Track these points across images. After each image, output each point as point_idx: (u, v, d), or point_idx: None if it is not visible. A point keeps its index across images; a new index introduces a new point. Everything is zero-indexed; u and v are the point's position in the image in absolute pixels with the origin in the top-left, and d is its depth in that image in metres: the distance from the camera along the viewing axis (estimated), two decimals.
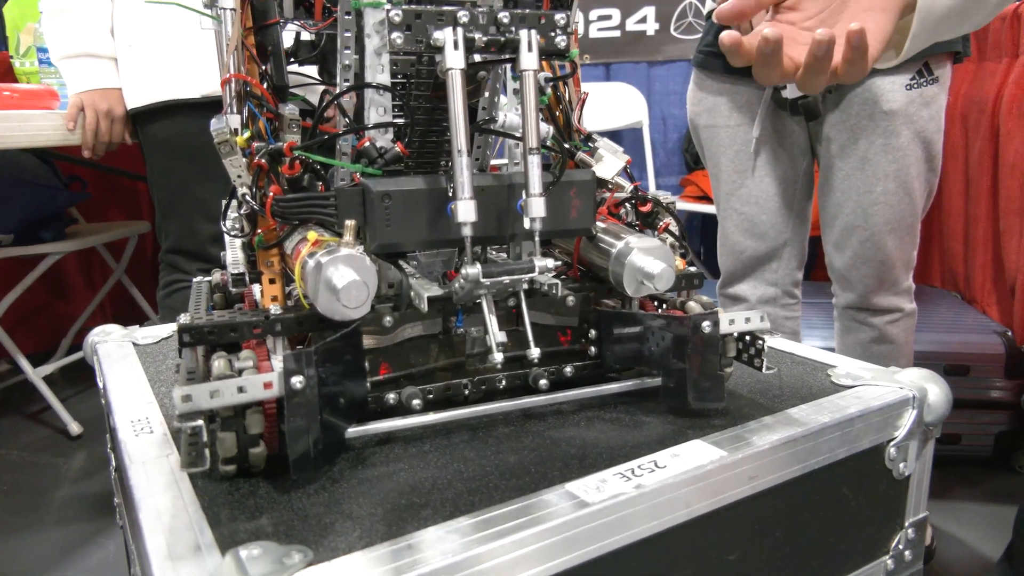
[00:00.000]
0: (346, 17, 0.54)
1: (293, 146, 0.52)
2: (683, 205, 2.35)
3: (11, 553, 1.38)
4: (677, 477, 0.47)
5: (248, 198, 0.51)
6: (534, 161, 0.51)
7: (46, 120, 1.41)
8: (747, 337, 0.59)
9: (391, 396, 0.55)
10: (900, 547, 0.62)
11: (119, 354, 0.73)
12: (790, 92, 1.12)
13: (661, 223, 0.62)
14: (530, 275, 0.52)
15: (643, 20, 2.73)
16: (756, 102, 1.21)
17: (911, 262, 1.22)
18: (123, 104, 1.42)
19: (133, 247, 2.20)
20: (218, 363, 0.47)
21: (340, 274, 0.45)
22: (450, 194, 0.51)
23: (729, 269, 1.33)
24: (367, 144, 0.54)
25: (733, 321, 0.57)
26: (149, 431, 0.55)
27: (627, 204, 0.63)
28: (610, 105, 2.61)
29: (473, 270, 0.49)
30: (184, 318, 0.51)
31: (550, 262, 0.52)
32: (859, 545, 0.60)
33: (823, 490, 0.56)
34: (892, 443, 0.59)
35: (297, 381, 0.45)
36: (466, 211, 0.49)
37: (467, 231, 0.50)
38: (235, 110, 0.56)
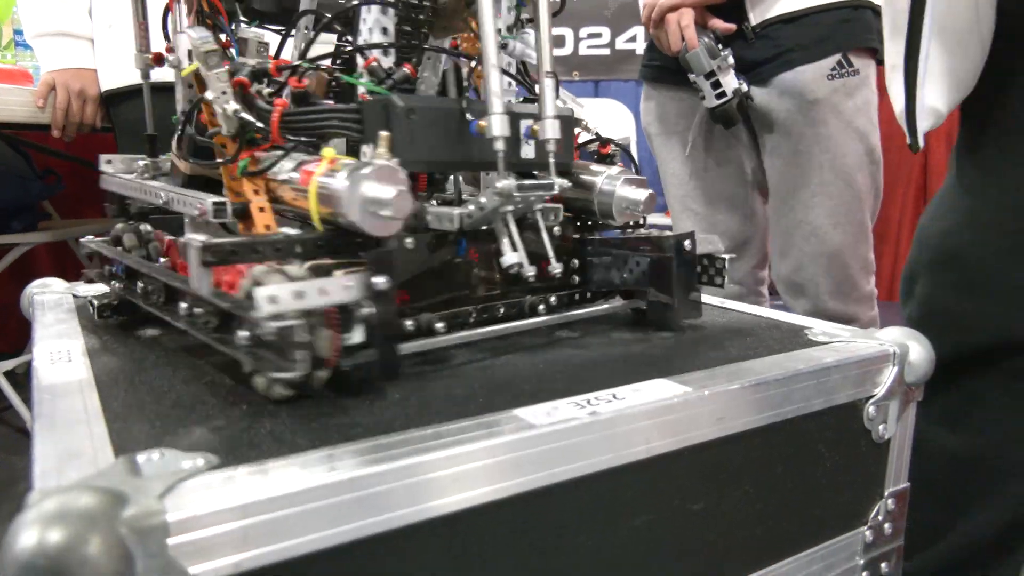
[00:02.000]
0: None
1: (281, 64, 0.52)
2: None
3: None
4: (635, 408, 0.43)
5: (241, 114, 0.49)
6: (549, 84, 0.50)
7: (14, 95, 1.38)
8: (707, 259, 0.63)
9: (409, 322, 0.52)
10: (879, 518, 0.58)
11: (55, 302, 0.69)
12: (709, 102, 1.14)
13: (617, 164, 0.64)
14: (552, 192, 0.51)
15: (632, 39, 2.75)
16: (690, 109, 1.23)
17: (868, 264, 1.18)
18: (96, 85, 1.39)
19: None
20: (296, 268, 0.43)
21: (387, 185, 0.44)
22: (468, 116, 0.51)
23: None
24: (374, 63, 0.52)
25: (700, 243, 0.60)
26: (67, 360, 0.50)
27: (590, 145, 0.63)
28: (599, 121, 2.61)
29: (508, 183, 0.48)
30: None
31: (567, 182, 0.55)
32: (835, 511, 0.56)
33: (797, 444, 0.52)
34: (871, 401, 0.55)
35: (381, 282, 0.43)
36: (501, 125, 0.48)
37: (500, 145, 0.48)
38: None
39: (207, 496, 0.31)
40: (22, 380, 2.07)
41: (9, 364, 1.88)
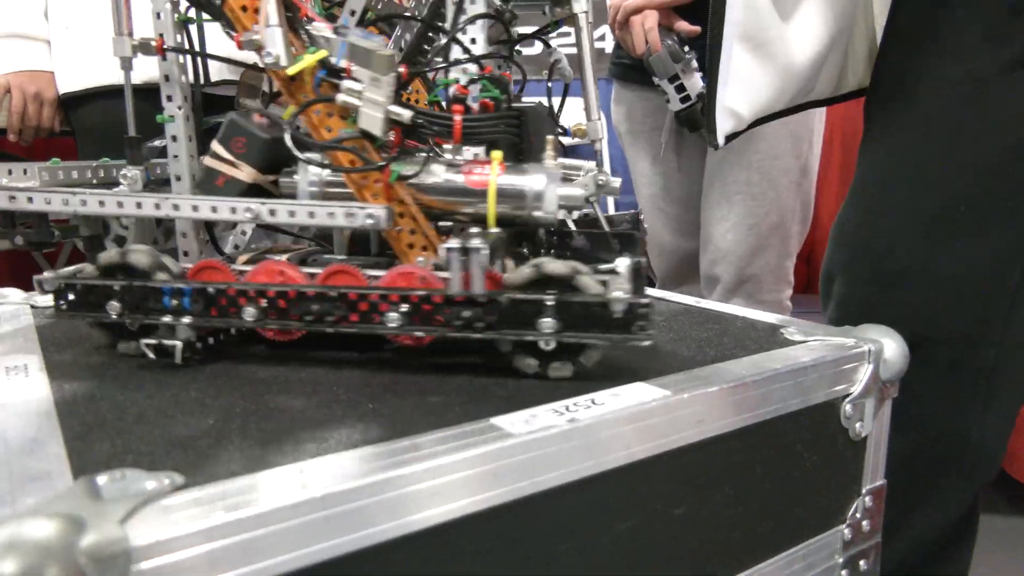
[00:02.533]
0: None
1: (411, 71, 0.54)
2: None
3: None
4: (616, 414, 0.42)
5: (418, 119, 0.50)
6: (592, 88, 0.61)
7: None
8: None
9: None
10: (857, 515, 0.58)
11: (11, 313, 0.66)
12: (673, 105, 1.13)
13: None
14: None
15: (602, 38, 2.75)
16: (651, 105, 1.23)
17: (782, 273, 1.19)
18: (54, 88, 1.35)
19: (70, 250, 2.09)
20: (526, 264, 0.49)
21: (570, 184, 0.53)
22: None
23: (665, 270, 1.32)
24: (494, 71, 0.55)
25: None
26: (24, 375, 0.48)
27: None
28: (568, 121, 2.60)
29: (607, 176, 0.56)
30: None
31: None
32: (815, 511, 0.56)
33: (776, 445, 0.52)
34: (848, 399, 0.55)
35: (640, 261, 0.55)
36: (600, 128, 0.63)
37: (599, 146, 0.63)
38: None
39: (172, 519, 0.30)
40: None
41: None
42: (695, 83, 1.11)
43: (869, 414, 0.57)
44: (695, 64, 1.11)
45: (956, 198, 0.69)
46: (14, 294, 0.73)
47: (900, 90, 0.73)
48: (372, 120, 0.49)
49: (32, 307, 0.69)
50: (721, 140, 0.74)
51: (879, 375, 0.57)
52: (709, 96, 0.72)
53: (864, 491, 0.59)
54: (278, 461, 0.36)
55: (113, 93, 1.31)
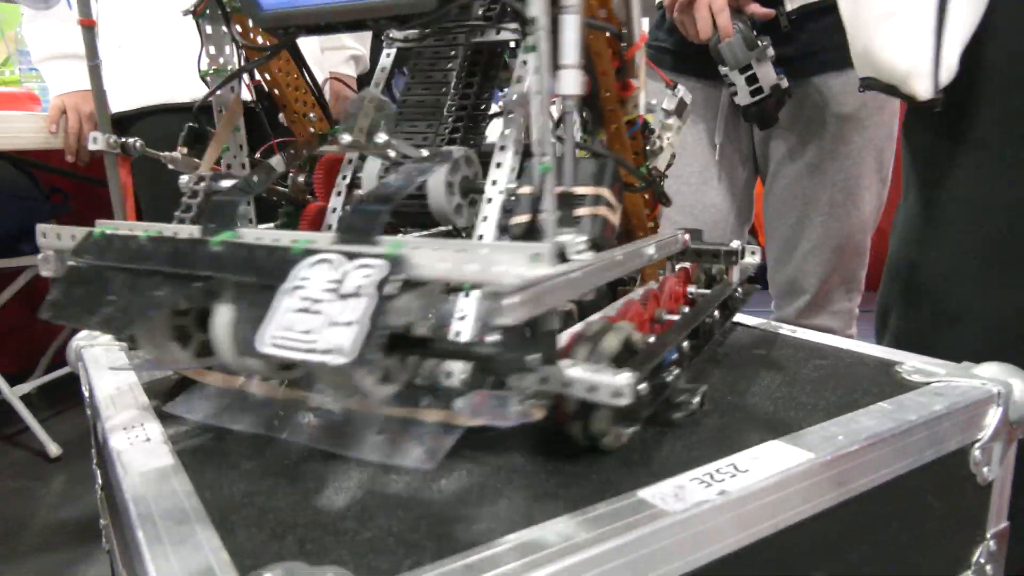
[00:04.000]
0: None
1: None
2: None
3: None
4: (764, 482, 0.41)
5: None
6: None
7: (25, 122, 1.34)
8: None
9: None
10: (981, 561, 0.56)
11: (108, 359, 0.66)
12: (742, 98, 1.02)
13: None
14: None
15: None
16: (710, 101, 1.12)
17: (857, 283, 1.14)
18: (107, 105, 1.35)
19: None
20: None
21: None
22: None
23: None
24: None
25: None
26: (145, 439, 0.48)
27: None
28: None
29: None
30: None
31: None
32: (941, 560, 0.54)
33: (909, 498, 0.50)
34: (977, 444, 0.53)
35: None
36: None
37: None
38: None
39: None
40: (36, 401, 2.04)
41: (25, 388, 1.85)
42: (769, 74, 1.00)
43: (996, 458, 0.55)
44: (771, 52, 1.00)
45: (1015, 234, 0.67)
46: (104, 335, 0.72)
47: (957, 123, 0.70)
48: (664, 160, 0.59)
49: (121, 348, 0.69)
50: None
51: (1008, 417, 0.54)
52: (937, 51, 0.64)
53: (989, 535, 0.57)
54: (434, 551, 0.35)
55: (165, 111, 1.31)
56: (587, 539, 0.35)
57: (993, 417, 0.54)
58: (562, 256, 0.38)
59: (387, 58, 0.63)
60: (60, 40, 1.31)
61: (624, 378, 0.37)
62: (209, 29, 0.58)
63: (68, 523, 1.50)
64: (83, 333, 0.73)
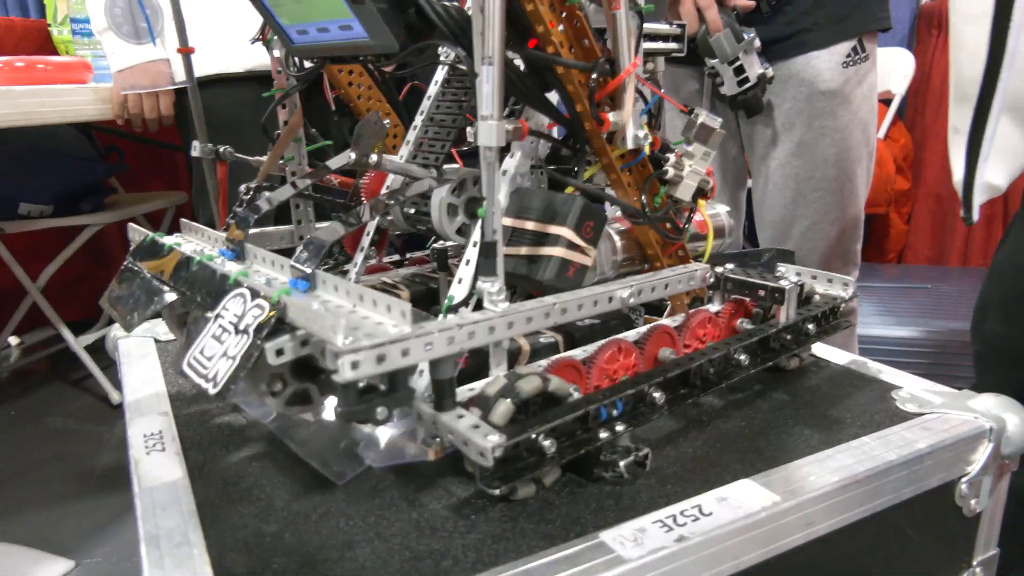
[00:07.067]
0: None
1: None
2: None
3: (53, 522, 1.41)
4: (725, 528, 0.42)
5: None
6: None
7: (78, 95, 1.39)
8: None
9: None
10: None
11: (139, 353, 0.71)
12: (729, 89, 1.05)
13: None
14: None
15: None
16: (691, 83, 1.14)
17: (854, 256, 1.15)
18: (167, 77, 1.39)
19: (172, 216, 2.20)
20: None
21: None
22: None
23: None
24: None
25: None
26: (160, 448, 0.52)
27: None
28: None
29: None
30: None
31: None
32: None
33: (885, 533, 0.51)
34: (964, 479, 0.53)
35: None
36: None
37: None
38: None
39: None
40: (99, 346, 2.17)
41: (89, 338, 1.97)
42: (755, 64, 1.03)
43: (986, 492, 0.55)
44: (757, 43, 1.02)
45: None
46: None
47: None
48: (687, 189, 0.56)
49: (155, 340, 0.74)
50: (976, 215, 0.70)
51: (1000, 453, 0.54)
52: (968, 173, 0.67)
53: (976, 563, 0.57)
54: None
55: (220, 82, 1.34)
56: None
57: (983, 452, 0.54)
58: (479, 304, 0.42)
59: (435, 83, 0.66)
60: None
61: (491, 440, 0.39)
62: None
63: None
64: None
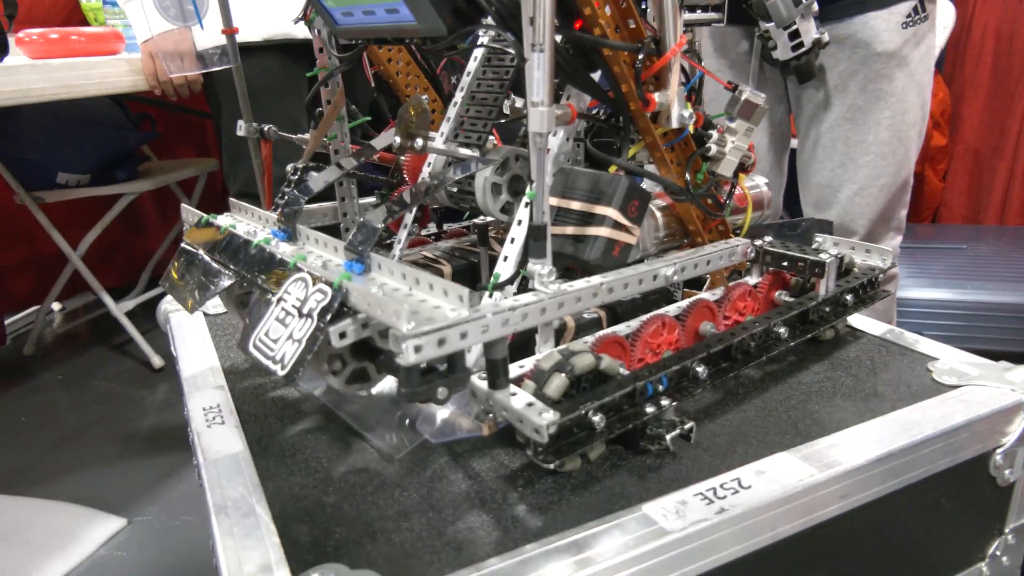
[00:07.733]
0: None
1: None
2: None
3: (103, 481, 1.47)
4: (763, 499, 0.44)
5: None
6: None
7: (112, 67, 1.41)
8: None
9: None
10: (998, 553, 0.58)
11: (191, 327, 0.74)
12: (782, 53, 1.00)
13: None
14: None
15: None
16: (741, 43, 1.11)
17: (900, 223, 1.13)
18: (190, 41, 1.40)
19: (203, 184, 2.23)
20: None
21: None
22: None
23: None
24: None
25: None
26: (220, 422, 0.55)
27: None
28: None
29: None
30: None
31: None
32: (953, 553, 0.57)
33: (919, 503, 0.52)
34: (999, 450, 0.54)
35: None
36: None
37: None
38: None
39: None
40: (138, 311, 2.23)
41: (129, 304, 2.02)
42: (811, 29, 0.99)
43: (1020, 462, 0.56)
44: (815, 8, 0.98)
45: None
46: None
47: None
48: (729, 165, 0.56)
49: (205, 314, 0.77)
50: None
51: None
52: None
53: (1008, 530, 0.58)
54: (453, 559, 0.40)
55: (251, 50, 1.35)
56: (591, 555, 0.40)
57: (1019, 424, 0.54)
58: (523, 282, 0.44)
59: (473, 59, 0.66)
60: None
61: (545, 418, 0.41)
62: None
63: (172, 430, 1.68)
64: (170, 296, 0.81)
